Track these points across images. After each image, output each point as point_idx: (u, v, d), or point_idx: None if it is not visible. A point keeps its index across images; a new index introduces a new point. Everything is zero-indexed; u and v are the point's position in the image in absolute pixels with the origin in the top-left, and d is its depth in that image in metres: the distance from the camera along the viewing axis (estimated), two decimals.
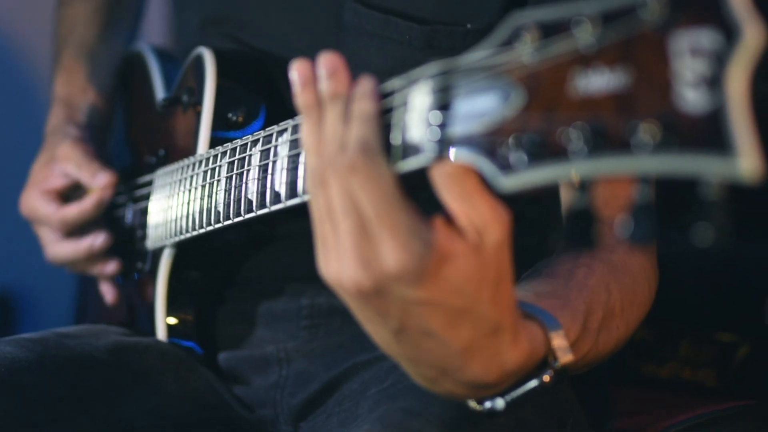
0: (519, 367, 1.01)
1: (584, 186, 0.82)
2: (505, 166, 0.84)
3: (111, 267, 1.68)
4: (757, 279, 1.62)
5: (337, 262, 0.96)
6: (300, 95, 1.03)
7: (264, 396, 1.54)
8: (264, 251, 1.56)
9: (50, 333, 1.54)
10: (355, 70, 1.45)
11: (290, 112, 1.50)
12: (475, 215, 0.92)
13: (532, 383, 1.04)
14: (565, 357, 1.04)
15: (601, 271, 1.17)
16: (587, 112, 0.79)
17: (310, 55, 1.47)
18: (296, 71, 1.04)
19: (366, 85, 0.99)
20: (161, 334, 1.56)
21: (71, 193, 1.69)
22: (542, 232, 1.49)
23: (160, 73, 1.73)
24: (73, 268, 1.72)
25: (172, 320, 1.55)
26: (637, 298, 1.21)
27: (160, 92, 1.71)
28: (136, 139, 1.80)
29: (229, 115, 1.48)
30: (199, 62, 1.53)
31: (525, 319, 1.03)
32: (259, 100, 1.50)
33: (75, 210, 1.65)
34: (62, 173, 1.67)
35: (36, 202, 1.68)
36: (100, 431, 1.41)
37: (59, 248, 1.68)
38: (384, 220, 0.92)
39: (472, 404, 1.06)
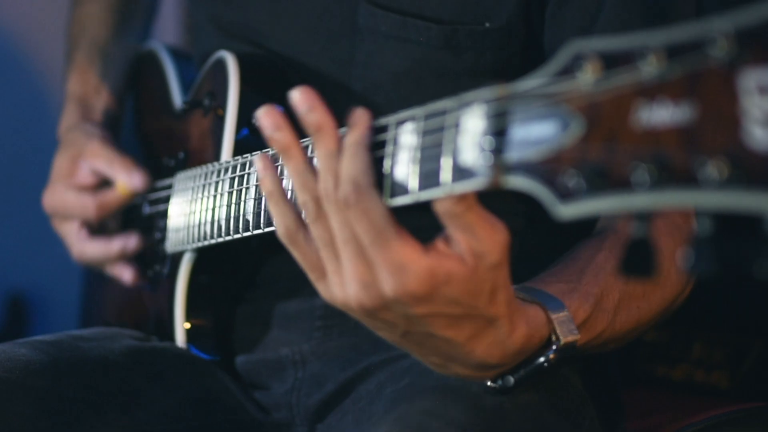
0: (520, 347, 1.11)
1: (644, 216, 0.83)
2: (564, 195, 0.85)
3: (128, 274, 1.67)
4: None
5: (341, 286, 1.06)
6: (273, 140, 1.11)
7: (280, 399, 1.55)
8: (279, 253, 1.55)
9: (64, 335, 1.54)
10: (371, 73, 1.46)
11: None
12: (475, 243, 1.00)
13: (539, 360, 1.14)
14: (568, 336, 1.14)
15: None
16: (650, 145, 0.79)
17: (325, 58, 1.48)
18: (263, 118, 1.12)
19: (358, 119, 1.07)
20: (179, 338, 1.56)
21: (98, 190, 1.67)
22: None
23: (176, 73, 1.72)
24: (92, 265, 1.72)
25: (191, 325, 1.55)
26: (663, 281, 1.27)
27: (176, 93, 1.70)
28: (150, 140, 1.78)
29: (253, 120, 1.47)
30: (221, 66, 1.52)
31: (525, 304, 1.12)
32: (280, 104, 1.50)
33: (114, 197, 1.65)
34: (91, 170, 1.66)
35: (65, 195, 1.67)
36: None
37: (88, 247, 1.67)
38: (379, 250, 1.00)
39: (487, 382, 1.17)
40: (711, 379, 1.69)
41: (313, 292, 1.54)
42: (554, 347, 1.13)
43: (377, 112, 1.42)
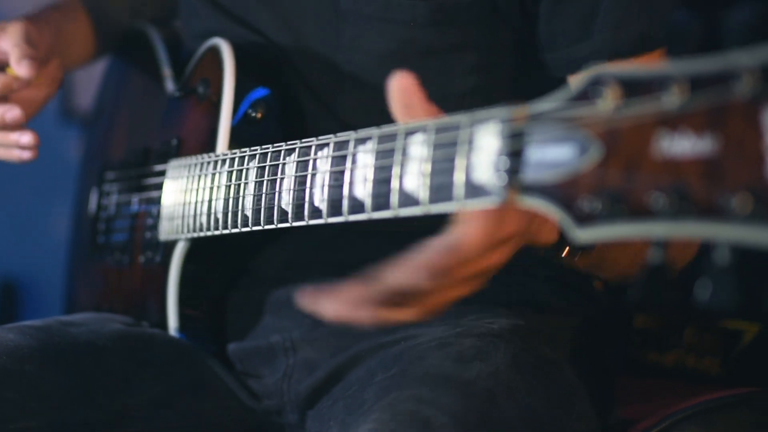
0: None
1: (661, 244, 0.83)
2: (582, 219, 0.85)
3: (26, 138, 1.54)
4: (763, 265, 1.65)
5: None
6: None
7: (272, 386, 1.55)
8: (270, 240, 1.55)
9: (54, 320, 1.53)
10: (356, 56, 1.45)
11: (301, 103, 1.50)
12: None
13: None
14: None
15: None
16: (671, 175, 0.79)
17: (312, 42, 1.47)
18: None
19: None
20: (172, 326, 1.55)
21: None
22: None
23: (167, 57, 1.69)
24: None
25: (183, 313, 1.54)
26: None
27: (168, 78, 1.67)
28: (138, 124, 1.76)
29: (249, 110, 1.46)
30: (215, 54, 1.50)
31: None
32: (269, 90, 1.48)
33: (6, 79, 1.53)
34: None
35: None
36: (102, 419, 1.42)
37: None
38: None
39: None
40: (702, 364, 1.71)
41: (303, 278, 1.54)
42: None
43: (366, 95, 1.42)
